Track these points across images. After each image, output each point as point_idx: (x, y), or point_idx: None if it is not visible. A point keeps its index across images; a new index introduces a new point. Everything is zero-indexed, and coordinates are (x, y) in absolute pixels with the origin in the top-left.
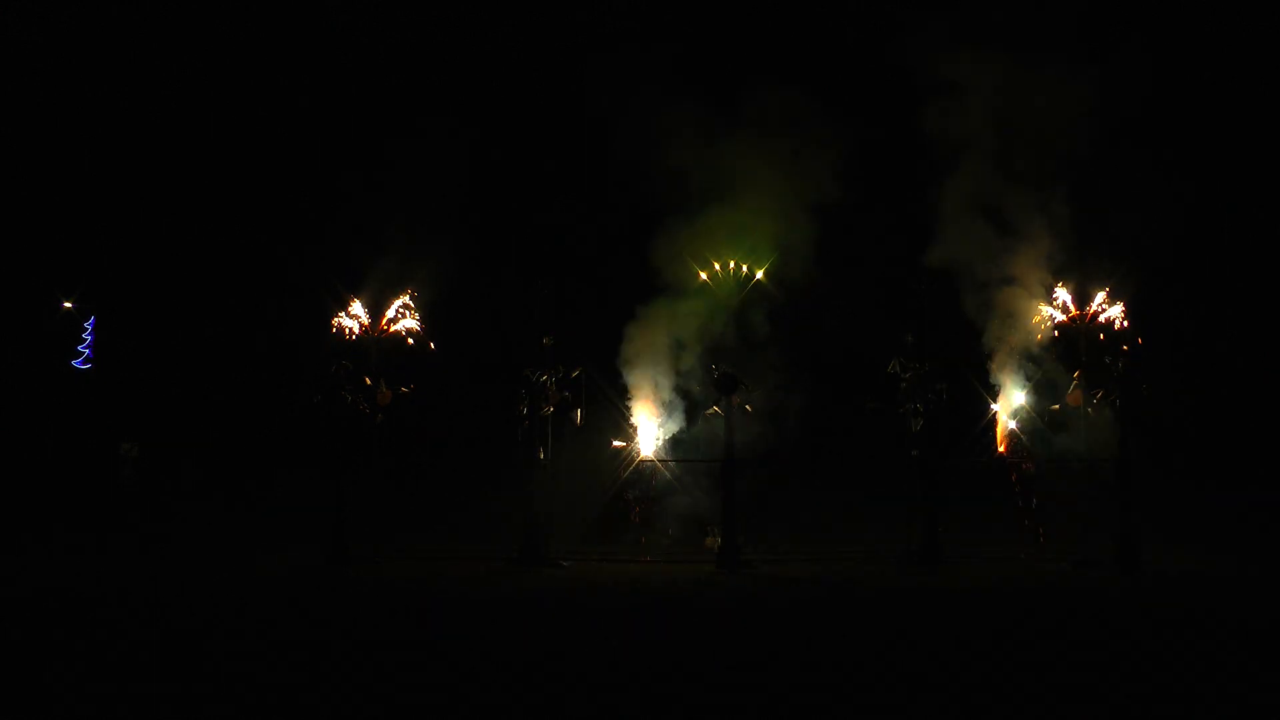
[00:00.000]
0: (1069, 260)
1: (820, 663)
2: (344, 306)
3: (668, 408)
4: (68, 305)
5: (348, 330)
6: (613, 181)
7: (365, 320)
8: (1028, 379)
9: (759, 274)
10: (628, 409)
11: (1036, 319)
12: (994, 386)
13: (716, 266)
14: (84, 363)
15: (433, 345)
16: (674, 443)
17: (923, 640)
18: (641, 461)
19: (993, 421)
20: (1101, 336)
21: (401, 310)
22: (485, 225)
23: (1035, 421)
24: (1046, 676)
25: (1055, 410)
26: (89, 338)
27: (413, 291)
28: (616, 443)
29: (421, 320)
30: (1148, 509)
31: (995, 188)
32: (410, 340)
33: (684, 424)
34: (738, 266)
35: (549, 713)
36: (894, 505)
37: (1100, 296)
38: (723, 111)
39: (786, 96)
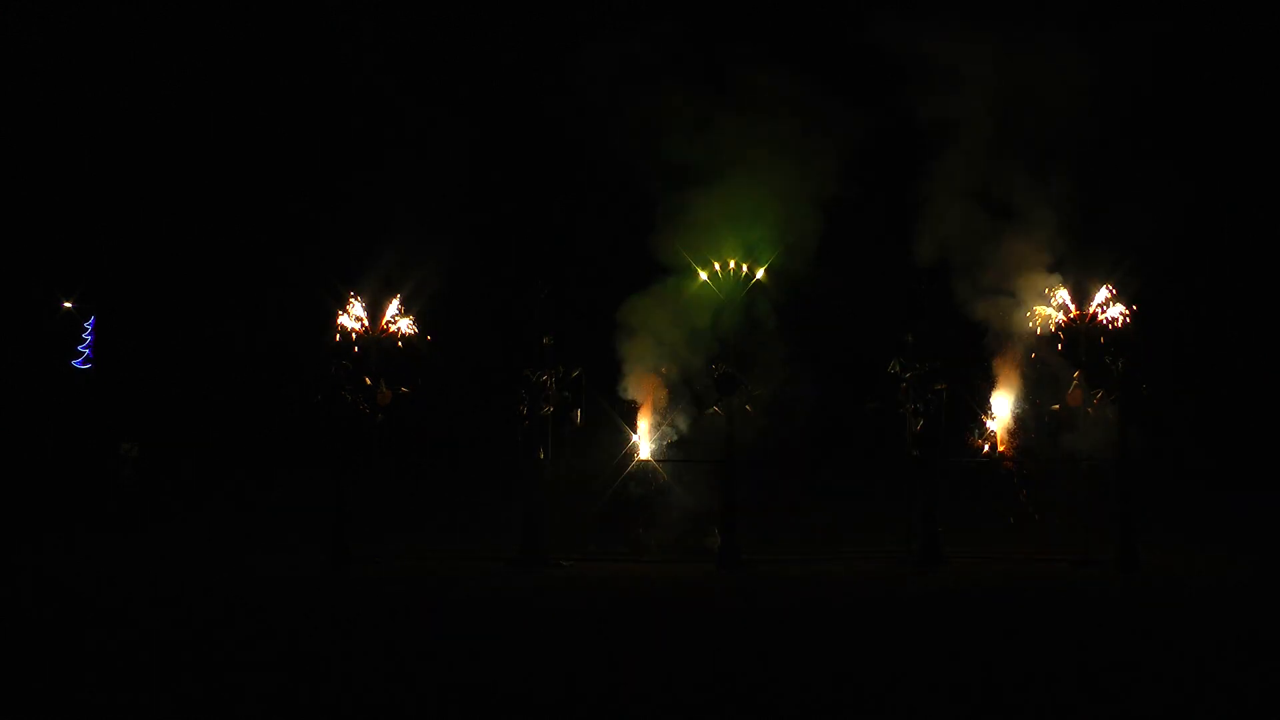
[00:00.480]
0: (1069, 244)
1: (819, 663)
2: (344, 307)
3: (670, 395)
4: (68, 305)
5: (348, 330)
6: (612, 176)
7: (365, 320)
8: (1028, 371)
9: (759, 273)
10: (629, 404)
11: (1039, 318)
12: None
13: (716, 266)
14: (84, 363)
15: (430, 338)
16: (677, 442)
17: (922, 640)
18: (642, 462)
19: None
20: (1103, 339)
21: (399, 312)
22: (485, 225)
23: (1038, 420)
24: (1046, 676)
25: (1056, 410)
26: (89, 338)
27: (405, 296)
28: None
29: (417, 322)
30: (1149, 508)
31: (994, 171)
32: (402, 343)
33: (688, 417)
34: (738, 266)
35: (549, 711)
36: (894, 505)
37: (1100, 295)
38: (717, 99)
39: (780, 81)
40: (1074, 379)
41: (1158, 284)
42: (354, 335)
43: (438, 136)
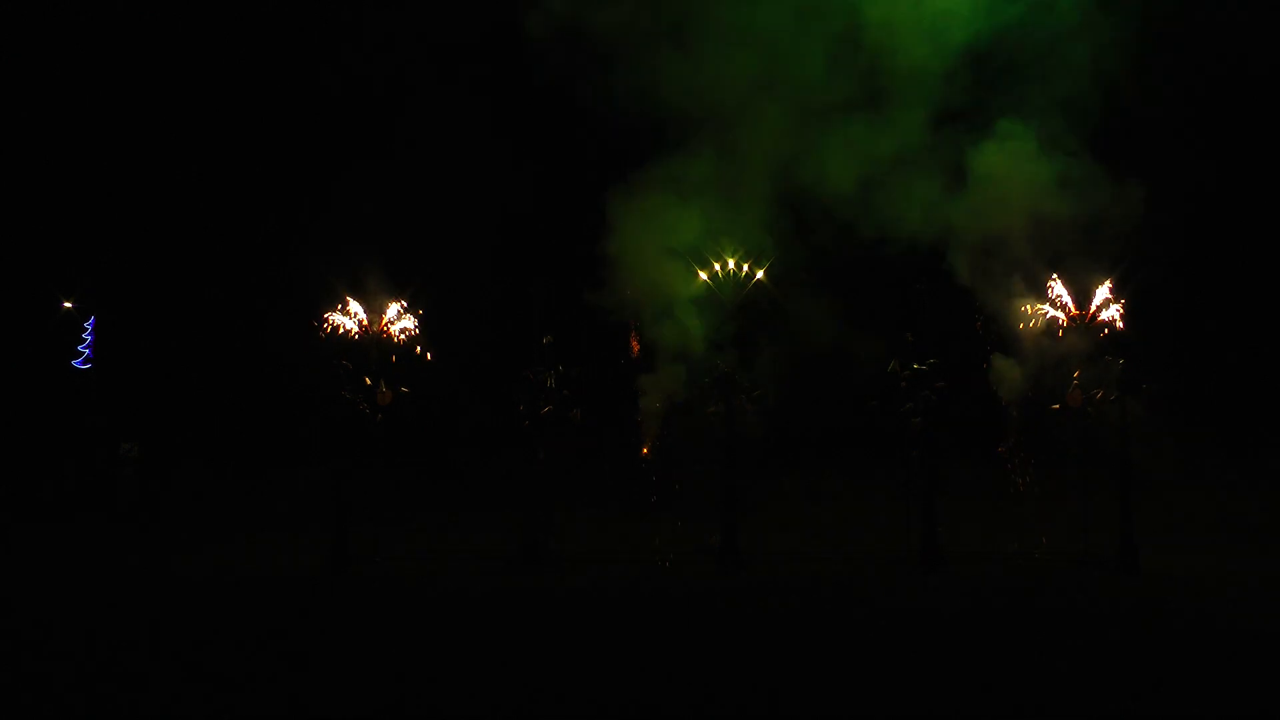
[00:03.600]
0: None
1: (819, 662)
2: (344, 307)
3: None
4: (68, 305)
5: (346, 330)
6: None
7: (365, 320)
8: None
9: (759, 274)
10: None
11: (1033, 311)
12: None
13: (717, 267)
14: (84, 363)
15: (427, 354)
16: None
17: (922, 640)
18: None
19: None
20: (1104, 335)
21: (400, 312)
22: (486, 225)
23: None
24: (1045, 675)
25: (1055, 409)
26: (89, 338)
27: (407, 297)
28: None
29: (419, 322)
30: (1151, 508)
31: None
32: (402, 341)
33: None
34: (738, 266)
35: (548, 711)
36: (895, 503)
37: (1101, 294)
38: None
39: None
40: (1074, 379)
41: (1159, 280)
42: (347, 333)
43: (440, 138)
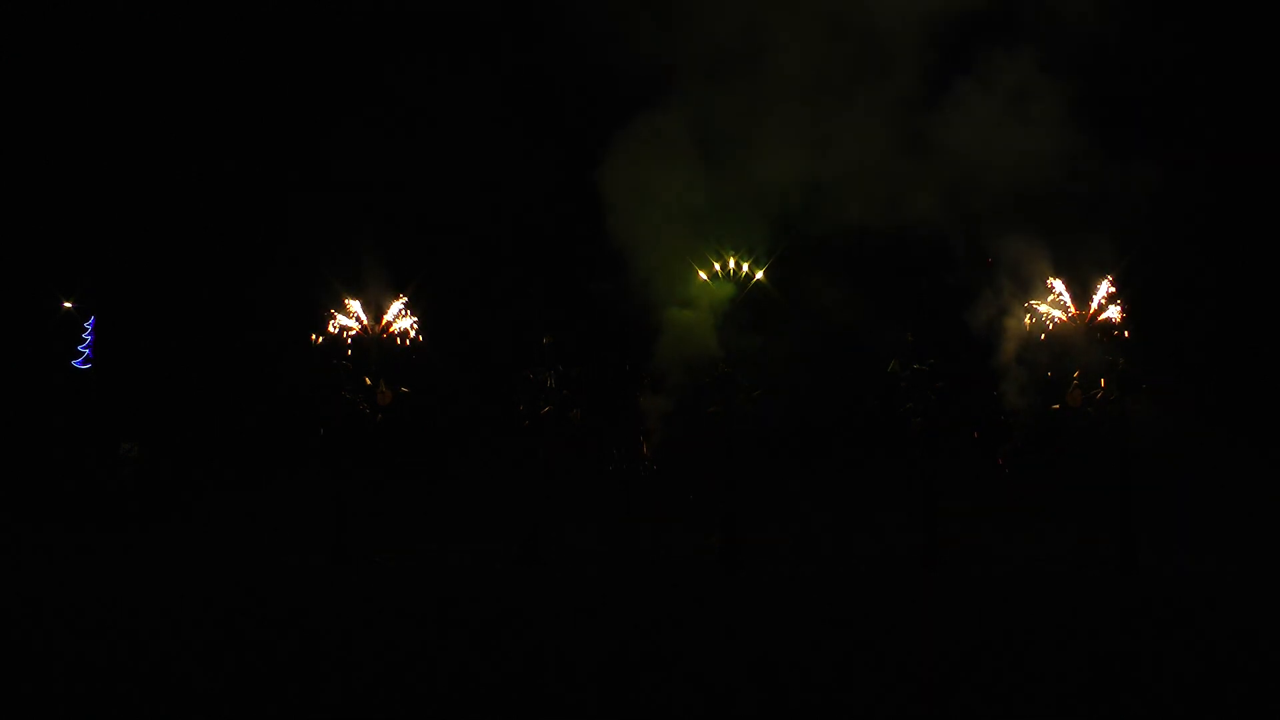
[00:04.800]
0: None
1: (818, 662)
2: (344, 307)
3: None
4: (68, 305)
5: (345, 330)
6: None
7: (364, 319)
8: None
9: (759, 274)
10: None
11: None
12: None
13: (717, 267)
14: (84, 363)
15: (420, 341)
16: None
17: (922, 640)
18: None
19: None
20: (1102, 337)
21: (401, 312)
22: (486, 224)
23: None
24: (1045, 675)
25: (1056, 410)
26: (89, 338)
27: (408, 297)
28: None
29: (418, 321)
30: (1151, 508)
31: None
32: (407, 342)
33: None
34: (738, 266)
35: (548, 710)
36: (895, 503)
37: (1102, 291)
38: None
39: None
40: (1074, 379)
41: (1163, 276)
42: (348, 335)
43: (439, 133)
